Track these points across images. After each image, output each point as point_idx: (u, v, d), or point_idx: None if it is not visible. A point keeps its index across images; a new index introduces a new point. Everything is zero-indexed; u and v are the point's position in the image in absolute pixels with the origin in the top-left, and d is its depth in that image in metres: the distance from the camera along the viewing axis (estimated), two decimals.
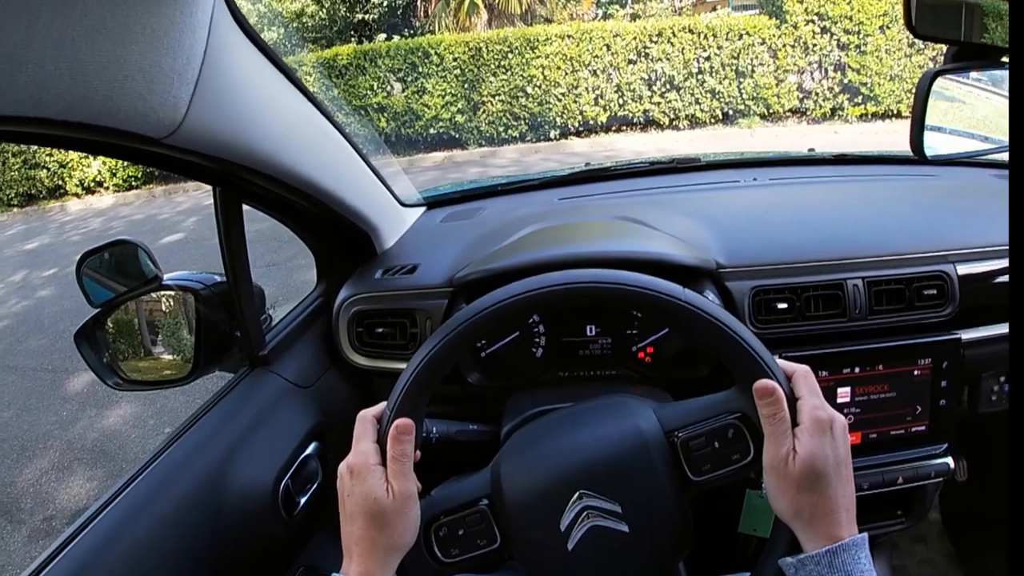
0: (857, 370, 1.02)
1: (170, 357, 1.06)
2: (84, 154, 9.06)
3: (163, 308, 1.05)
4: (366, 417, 0.69)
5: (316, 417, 1.07)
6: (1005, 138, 1.13)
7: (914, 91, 0.95)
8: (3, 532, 2.76)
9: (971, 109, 1.08)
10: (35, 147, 9.41)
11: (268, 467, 0.95)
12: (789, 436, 0.61)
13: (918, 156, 0.99)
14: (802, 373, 0.66)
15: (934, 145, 0.99)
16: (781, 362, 0.67)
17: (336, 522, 0.67)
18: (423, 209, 1.45)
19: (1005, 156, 1.35)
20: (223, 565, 0.88)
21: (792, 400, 0.64)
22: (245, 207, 0.96)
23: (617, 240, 1.10)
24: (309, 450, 1.03)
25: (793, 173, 1.51)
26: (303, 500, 1.00)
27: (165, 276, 0.98)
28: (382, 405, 0.69)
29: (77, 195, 9.80)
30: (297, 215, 1.09)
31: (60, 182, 9.73)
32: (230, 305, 0.99)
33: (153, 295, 1.02)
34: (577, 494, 0.66)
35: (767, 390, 0.62)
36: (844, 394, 1.03)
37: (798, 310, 1.01)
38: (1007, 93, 1.07)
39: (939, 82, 0.96)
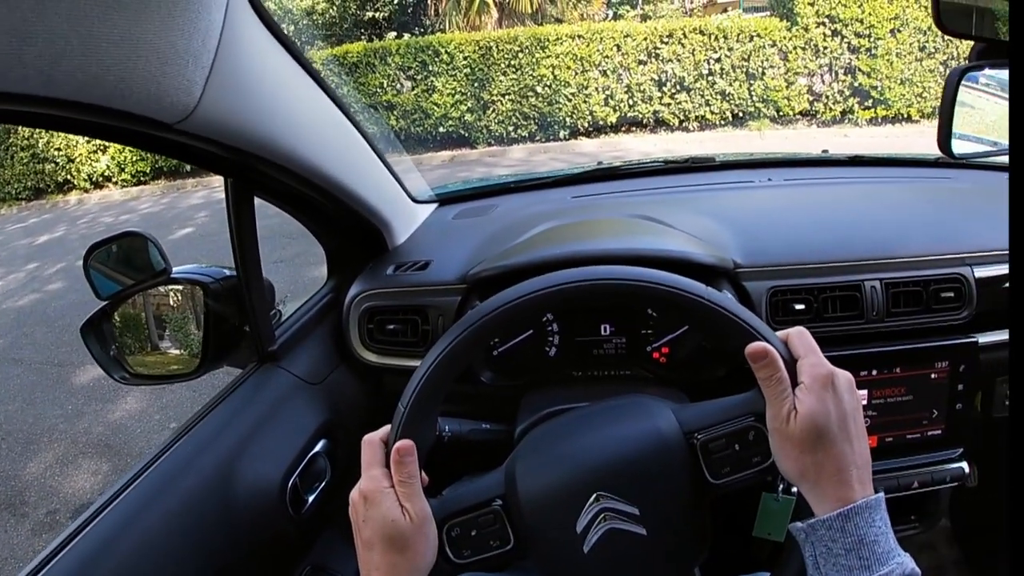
0: (875, 372, 1.01)
1: (177, 352, 1.05)
2: (93, 146, 9.18)
3: (171, 303, 1.04)
4: (373, 441, 0.67)
5: (325, 414, 1.06)
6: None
7: (942, 89, 0.94)
8: (7, 526, 2.76)
9: (980, 114, 1.05)
10: (42, 140, 9.47)
11: (276, 464, 0.94)
12: (789, 396, 0.60)
13: (945, 154, 0.97)
14: (796, 333, 0.64)
15: (958, 145, 0.98)
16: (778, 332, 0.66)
17: (344, 521, 0.66)
18: (435, 206, 1.44)
19: None
20: (230, 561, 0.87)
21: (792, 361, 0.62)
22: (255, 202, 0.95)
23: (635, 237, 1.09)
24: (318, 447, 1.02)
25: (808, 174, 1.50)
26: (311, 498, 0.99)
27: (174, 269, 0.96)
28: (387, 428, 0.67)
29: (85, 190, 9.81)
30: (309, 209, 1.08)
31: (68, 176, 9.74)
32: (239, 299, 0.98)
33: (161, 289, 1.01)
34: (595, 496, 0.65)
35: (759, 353, 0.61)
36: (862, 397, 1.00)
37: (815, 311, 1.00)
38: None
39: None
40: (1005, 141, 1.11)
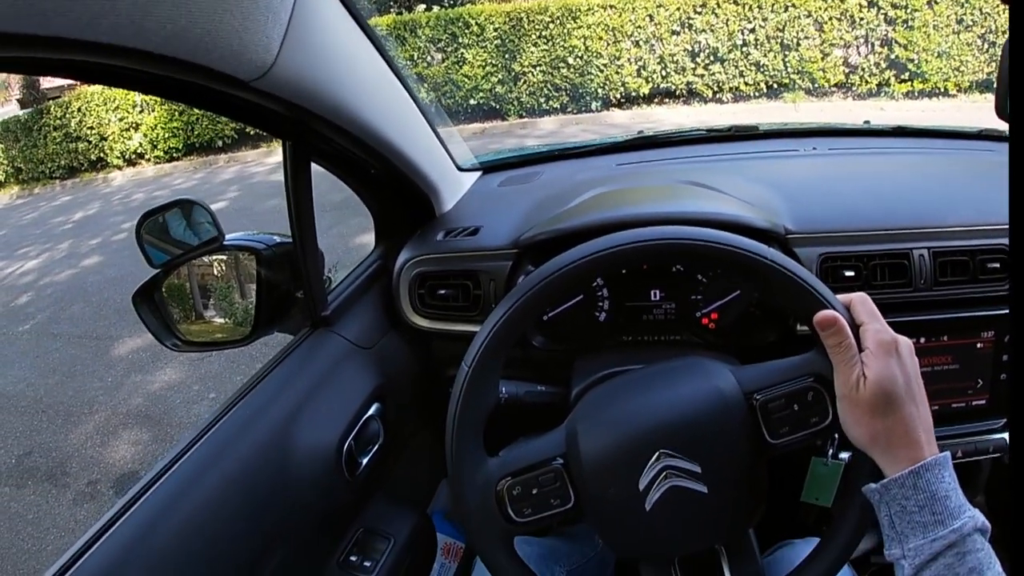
0: (923, 340, 1.02)
1: (221, 321, 1.06)
2: (126, 123, 9.21)
3: (215, 272, 1.05)
4: None
5: (378, 378, 1.07)
6: None
7: (1000, 54, 0.91)
8: (48, 496, 2.79)
9: None
10: (74, 120, 9.54)
11: (332, 428, 0.96)
12: (857, 362, 0.61)
13: (1003, 118, 0.94)
14: (859, 300, 0.66)
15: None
16: (840, 296, 0.67)
17: (394, 483, 0.68)
18: (479, 173, 1.45)
19: None
20: (286, 526, 0.89)
21: (855, 327, 0.63)
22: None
23: (688, 200, 1.09)
24: (371, 411, 1.04)
25: (852, 144, 1.50)
26: (365, 461, 1.01)
27: (226, 237, 0.98)
28: None
29: (119, 167, 9.89)
30: (362, 173, 1.09)
31: (102, 155, 9.82)
32: (292, 265, 0.99)
33: (206, 258, 1.02)
34: (657, 454, 0.66)
35: (828, 320, 0.63)
36: None
37: (864, 278, 1.00)
38: None
39: None
40: None
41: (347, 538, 1.04)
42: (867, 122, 1.65)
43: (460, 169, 1.35)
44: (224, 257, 1.04)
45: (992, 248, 1.02)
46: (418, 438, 1.29)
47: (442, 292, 1.11)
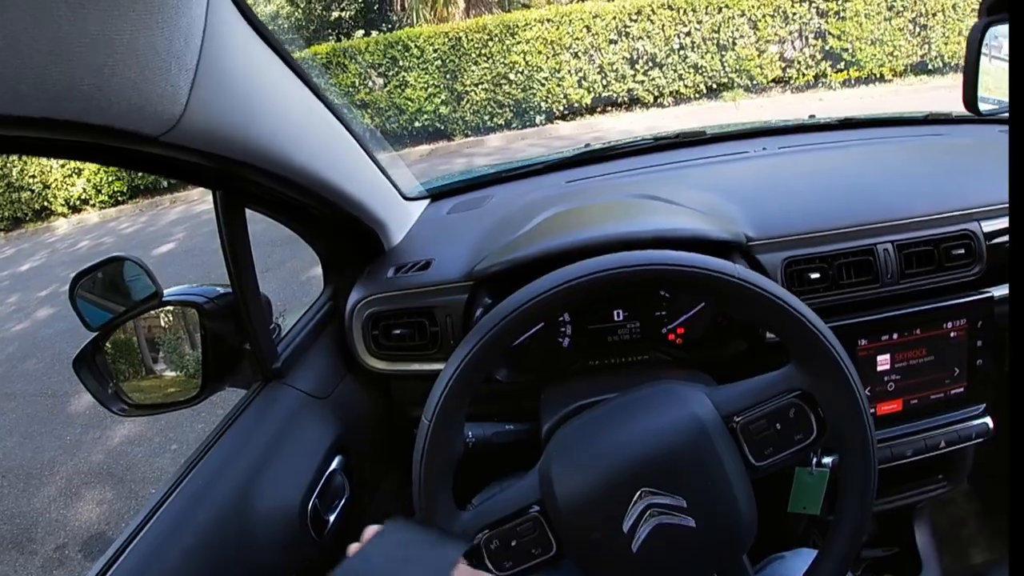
0: (895, 336, 1.00)
1: (173, 374, 1.01)
2: (68, 169, 9.05)
3: (162, 324, 1.00)
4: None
5: (337, 428, 1.02)
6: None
7: (965, 45, 0.93)
8: (16, 565, 2.69)
9: (992, 79, 1.03)
10: (16, 168, 9.32)
11: (293, 487, 0.90)
12: None
13: (972, 111, 0.97)
14: None
15: (984, 106, 0.98)
16: None
17: None
18: (427, 201, 1.40)
19: None
20: None
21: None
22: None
23: (643, 219, 1.05)
24: (334, 464, 0.99)
25: (801, 140, 1.48)
26: (332, 517, 0.96)
27: (165, 291, 0.93)
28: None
29: (64, 215, 9.67)
30: (301, 216, 1.04)
31: (45, 203, 9.58)
32: (237, 317, 0.93)
33: (153, 312, 0.96)
34: (639, 492, 0.63)
35: None
36: (884, 362, 1.01)
37: (831, 279, 0.99)
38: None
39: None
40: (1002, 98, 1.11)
41: None
42: (812, 116, 1.64)
43: (407, 199, 1.30)
44: (173, 309, 0.98)
45: (955, 235, 1.01)
46: (385, 485, 1.23)
47: (397, 332, 1.06)
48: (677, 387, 0.70)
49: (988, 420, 1.06)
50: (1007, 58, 1.06)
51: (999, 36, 0.96)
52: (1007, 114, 1.29)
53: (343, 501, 0.99)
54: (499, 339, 0.65)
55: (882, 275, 0.99)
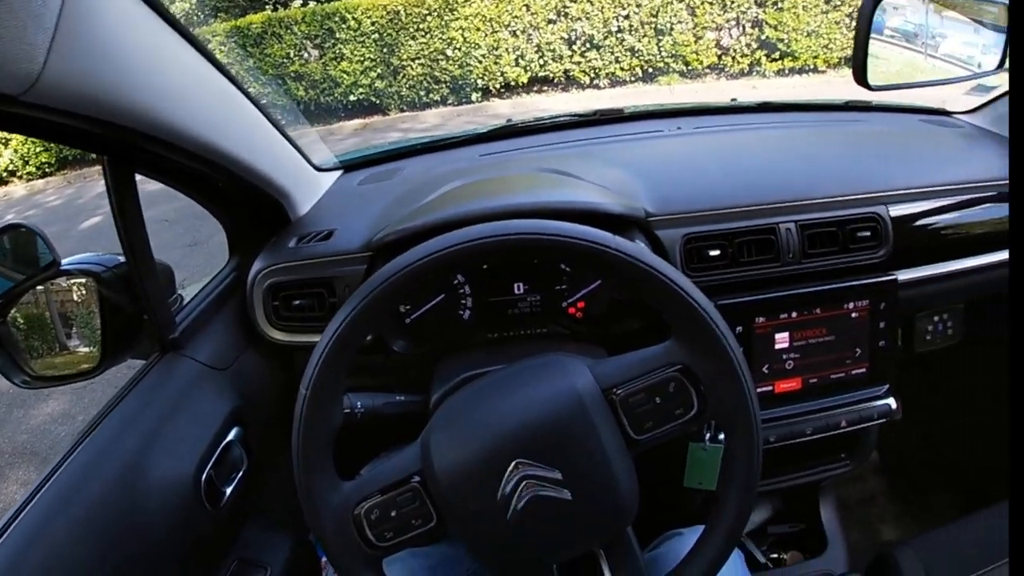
0: (794, 315, 1.01)
1: (87, 349, 0.98)
2: None
3: (75, 298, 0.97)
4: None
5: (235, 400, 1.01)
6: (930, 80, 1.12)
7: (857, 14, 0.94)
8: None
9: (885, 64, 1.08)
10: None
11: (188, 458, 0.89)
12: None
13: (862, 85, 0.98)
14: None
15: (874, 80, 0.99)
16: None
17: (268, 509, 0.63)
18: (339, 173, 1.38)
19: (925, 100, 1.36)
20: (148, 566, 0.82)
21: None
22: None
23: (542, 191, 1.05)
24: (231, 436, 0.97)
25: (717, 121, 1.49)
26: (229, 490, 0.94)
27: (64, 260, 0.90)
28: None
29: None
30: (201, 184, 1.01)
31: None
32: (133, 287, 0.92)
33: (63, 283, 0.94)
34: (514, 463, 0.62)
35: None
36: (782, 340, 1.02)
37: (731, 256, 0.99)
38: (920, 47, 1.09)
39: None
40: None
41: (221, 573, 0.99)
42: (734, 99, 1.67)
43: (319, 169, 1.28)
44: (83, 281, 0.95)
45: (861, 217, 1.02)
46: (288, 458, 1.23)
47: (297, 303, 1.03)
48: (560, 359, 0.69)
49: (891, 401, 1.07)
50: (900, 31, 1.09)
51: (891, 9, 1.00)
52: (896, 89, 1.32)
53: (241, 473, 0.98)
54: (369, 310, 0.64)
55: (784, 254, 1.00)
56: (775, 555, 1.28)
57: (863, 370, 1.06)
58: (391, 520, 0.64)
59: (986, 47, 1.08)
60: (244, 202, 1.08)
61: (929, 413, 1.59)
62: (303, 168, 1.20)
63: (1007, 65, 1.04)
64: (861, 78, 0.97)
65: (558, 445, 0.63)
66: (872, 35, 1.00)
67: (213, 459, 0.92)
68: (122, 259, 0.94)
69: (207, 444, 0.92)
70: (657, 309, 0.65)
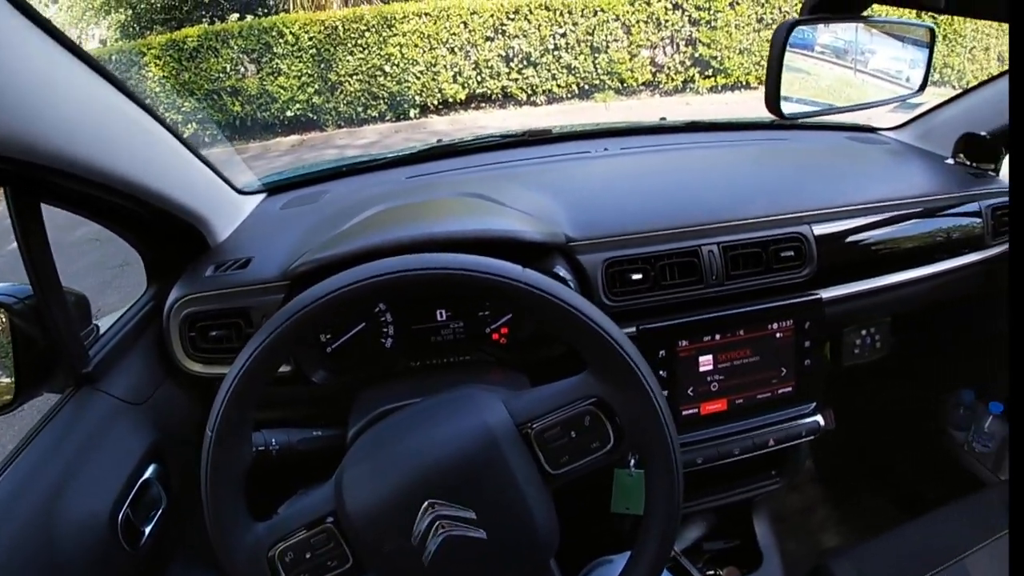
0: (718, 337, 1.02)
1: (6, 381, 0.92)
2: None
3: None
4: None
5: (152, 435, 0.97)
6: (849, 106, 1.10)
7: (770, 43, 0.92)
8: None
9: (816, 79, 1.08)
10: None
11: (103, 497, 0.85)
12: None
13: (774, 114, 0.96)
14: None
15: (788, 107, 0.98)
16: None
17: (190, 548, 0.61)
18: (262, 196, 1.33)
19: (852, 116, 1.34)
20: None
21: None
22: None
23: (462, 218, 1.03)
24: (148, 473, 0.93)
25: (645, 142, 1.49)
26: (148, 529, 0.90)
27: None
28: None
29: None
30: (112, 213, 0.97)
31: None
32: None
33: None
34: (426, 503, 0.61)
35: None
36: (706, 362, 1.02)
37: (653, 280, 0.99)
38: (850, 63, 1.09)
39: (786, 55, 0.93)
40: (840, 104, 1.15)
41: None
42: (663, 119, 1.67)
43: (241, 193, 1.24)
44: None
45: (785, 237, 1.02)
46: None
47: (214, 333, 1.00)
48: (475, 393, 0.68)
49: (819, 418, 1.09)
50: (830, 48, 1.10)
51: (805, 37, 0.98)
52: (813, 118, 1.33)
53: (160, 511, 0.94)
54: (273, 349, 0.62)
55: (707, 276, 1.00)
56: (711, 572, 1.28)
57: (790, 389, 1.06)
58: (306, 562, 0.62)
59: (913, 61, 1.09)
60: (160, 229, 1.04)
61: (862, 423, 1.62)
62: (223, 192, 1.16)
63: (926, 87, 1.07)
64: (774, 107, 0.95)
65: (471, 483, 0.62)
66: (803, 52, 0.99)
67: (130, 498, 0.89)
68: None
69: (123, 482, 0.89)
70: (568, 341, 0.64)
